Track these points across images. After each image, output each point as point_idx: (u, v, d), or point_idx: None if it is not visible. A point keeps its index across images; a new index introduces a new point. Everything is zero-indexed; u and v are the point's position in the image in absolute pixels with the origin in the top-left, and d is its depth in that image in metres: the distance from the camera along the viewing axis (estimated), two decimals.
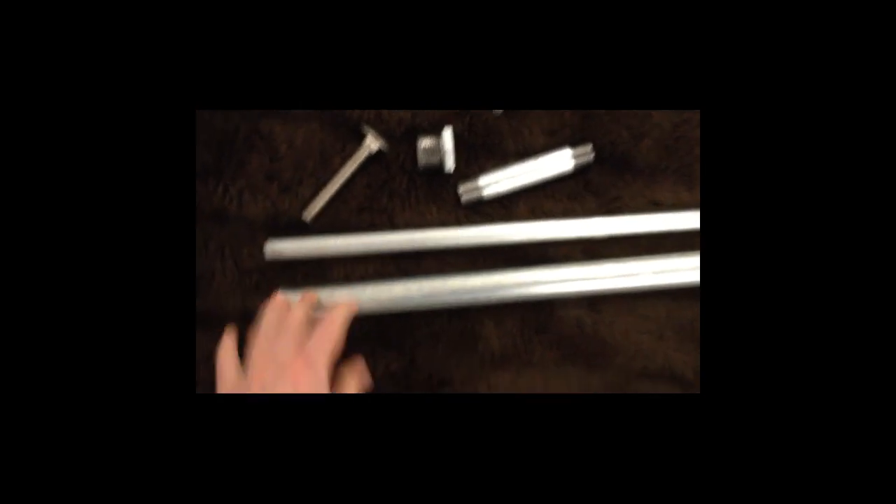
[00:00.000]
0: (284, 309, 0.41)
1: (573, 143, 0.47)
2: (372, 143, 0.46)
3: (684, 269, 0.47)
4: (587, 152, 0.47)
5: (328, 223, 0.48)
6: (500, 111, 0.47)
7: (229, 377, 0.39)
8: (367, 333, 0.47)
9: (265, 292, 0.47)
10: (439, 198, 0.48)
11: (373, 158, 0.47)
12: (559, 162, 0.47)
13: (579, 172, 0.48)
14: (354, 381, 0.41)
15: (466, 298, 0.46)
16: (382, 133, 0.47)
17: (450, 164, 0.46)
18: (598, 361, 0.48)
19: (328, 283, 0.47)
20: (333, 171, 0.47)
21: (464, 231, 0.47)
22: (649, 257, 0.47)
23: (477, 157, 0.48)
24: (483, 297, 0.46)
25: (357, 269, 0.48)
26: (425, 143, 0.46)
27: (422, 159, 0.46)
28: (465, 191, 0.47)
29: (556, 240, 0.48)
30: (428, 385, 0.47)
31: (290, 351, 0.38)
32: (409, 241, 0.47)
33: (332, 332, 0.39)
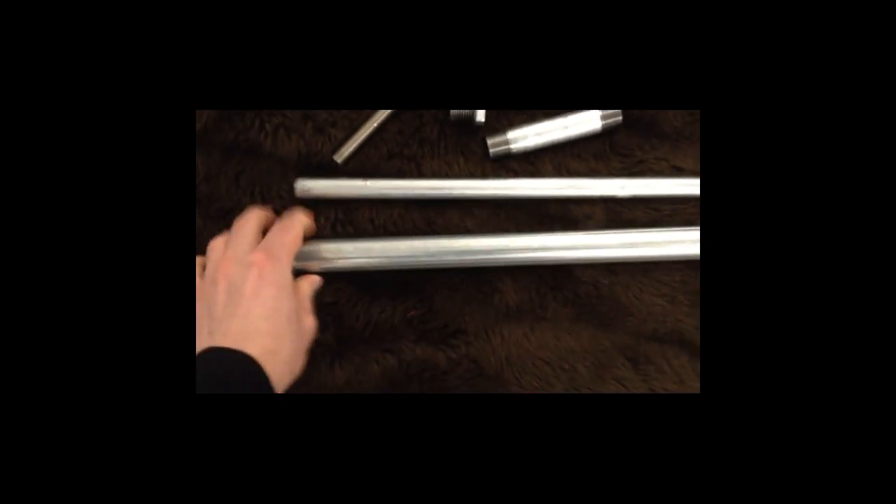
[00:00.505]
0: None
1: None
2: None
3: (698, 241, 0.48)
4: (616, 114, 0.48)
5: (358, 166, 0.49)
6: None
7: (197, 283, 0.41)
8: (386, 282, 0.48)
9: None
10: (468, 149, 0.49)
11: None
12: (587, 122, 0.48)
13: (606, 134, 0.49)
14: (307, 282, 0.44)
15: (483, 259, 0.47)
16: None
17: (481, 115, 0.47)
18: (610, 321, 0.49)
19: (354, 224, 0.48)
20: (367, 116, 0.48)
21: (489, 183, 0.48)
22: (669, 229, 0.48)
23: (507, 112, 0.49)
24: (501, 258, 0.47)
25: (382, 213, 0.49)
26: None
27: (454, 109, 0.47)
28: (494, 144, 0.48)
29: (578, 197, 0.49)
30: (443, 334, 0.49)
31: (250, 247, 0.40)
32: (436, 188, 0.48)
33: (290, 227, 0.42)
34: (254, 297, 0.37)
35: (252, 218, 0.42)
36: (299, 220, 0.43)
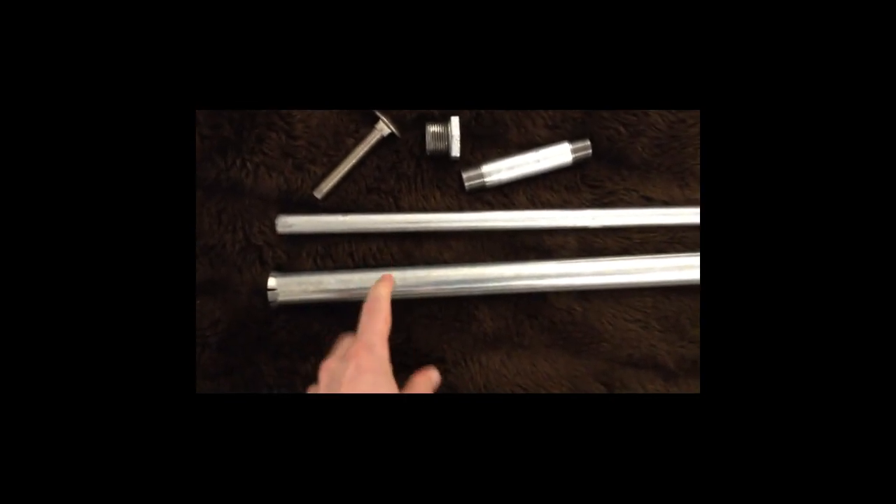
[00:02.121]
0: None
1: (573, 138, 0.50)
2: (383, 128, 0.49)
3: (672, 268, 0.49)
4: (586, 147, 0.50)
5: (337, 201, 0.50)
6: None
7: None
8: None
9: (272, 266, 0.49)
10: (444, 183, 0.51)
11: (384, 142, 0.50)
12: (559, 155, 0.50)
13: (577, 166, 0.51)
14: (423, 382, 0.44)
15: (460, 288, 0.48)
16: (394, 118, 0.50)
17: (456, 150, 0.49)
18: (585, 348, 0.51)
19: (333, 258, 0.50)
20: (346, 152, 0.50)
21: (465, 216, 0.50)
22: (639, 256, 0.50)
23: (481, 146, 0.51)
24: (478, 287, 0.48)
25: (361, 247, 0.50)
26: (434, 128, 0.49)
27: (430, 144, 0.49)
28: (469, 178, 0.50)
29: (552, 228, 0.50)
30: (422, 362, 0.50)
31: (347, 345, 0.41)
32: (413, 222, 0.49)
33: (377, 310, 0.41)
34: (350, 385, 0.38)
35: (382, 301, 0.42)
36: (384, 298, 0.42)
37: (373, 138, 0.49)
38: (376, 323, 0.41)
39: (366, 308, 0.42)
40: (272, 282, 0.47)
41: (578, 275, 0.49)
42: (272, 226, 0.49)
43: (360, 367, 0.38)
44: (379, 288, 0.43)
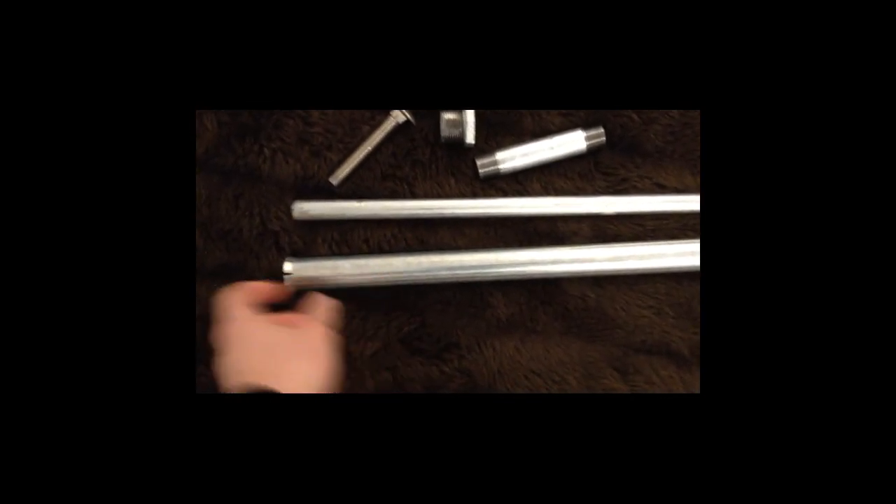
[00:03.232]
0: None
1: (586, 126, 0.51)
2: (399, 115, 0.50)
3: (684, 254, 0.50)
4: (599, 135, 0.50)
5: (353, 188, 0.51)
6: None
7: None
8: (381, 297, 0.50)
9: (288, 251, 0.50)
10: (458, 170, 0.51)
11: (399, 129, 0.51)
12: (572, 143, 0.50)
13: (591, 153, 0.51)
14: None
15: (475, 273, 0.49)
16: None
17: (470, 137, 0.49)
18: (599, 334, 0.51)
19: (348, 244, 0.50)
20: (361, 139, 0.50)
21: (479, 202, 0.50)
22: (652, 242, 0.50)
23: (495, 134, 0.51)
24: (492, 273, 0.49)
25: (376, 233, 0.51)
26: (448, 116, 0.49)
27: (444, 131, 0.49)
28: (483, 165, 0.50)
29: (565, 215, 0.51)
30: (436, 348, 0.50)
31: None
32: (427, 209, 0.50)
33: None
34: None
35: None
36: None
37: (388, 125, 0.50)
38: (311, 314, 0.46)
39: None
40: (288, 266, 0.48)
41: (591, 260, 0.49)
42: (288, 212, 0.50)
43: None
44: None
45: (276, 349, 0.39)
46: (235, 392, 0.37)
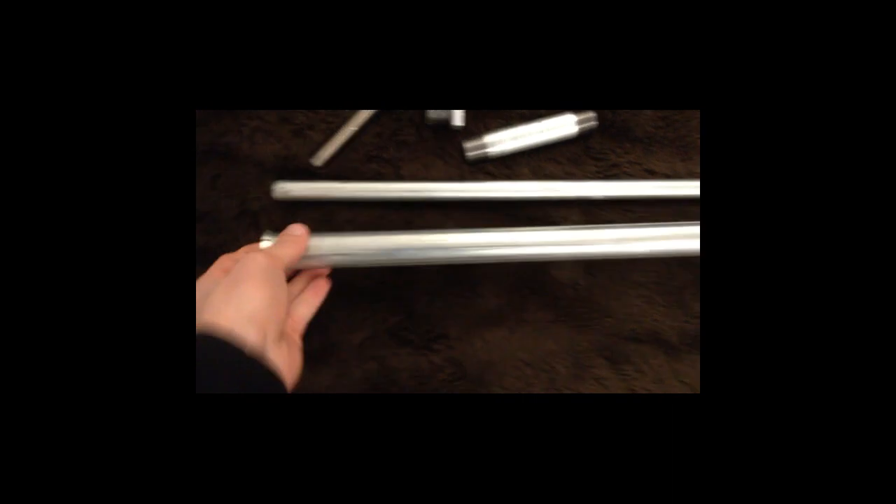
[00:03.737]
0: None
1: (577, 109, 0.50)
2: None
3: (676, 237, 0.49)
4: (591, 118, 0.49)
5: (336, 170, 0.49)
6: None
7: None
8: (367, 289, 0.48)
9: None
10: (445, 153, 0.50)
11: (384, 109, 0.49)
12: (563, 126, 0.49)
13: (582, 137, 0.50)
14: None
15: (461, 255, 0.47)
16: None
17: (458, 119, 0.48)
18: (588, 323, 0.50)
19: (332, 227, 0.48)
20: (345, 119, 0.48)
21: (467, 185, 0.49)
22: (643, 224, 0.49)
23: (483, 116, 0.50)
24: (478, 254, 0.47)
25: (361, 215, 0.49)
26: None
27: (431, 112, 0.48)
28: (471, 148, 0.49)
29: (555, 199, 0.49)
30: (425, 339, 0.48)
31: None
32: (414, 191, 0.48)
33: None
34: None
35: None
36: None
37: (374, 109, 0.48)
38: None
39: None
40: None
41: (581, 243, 0.48)
42: (268, 192, 0.47)
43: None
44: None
45: (218, 287, 0.38)
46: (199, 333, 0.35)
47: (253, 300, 0.37)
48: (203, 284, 0.40)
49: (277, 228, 0.47)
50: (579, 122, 0.49)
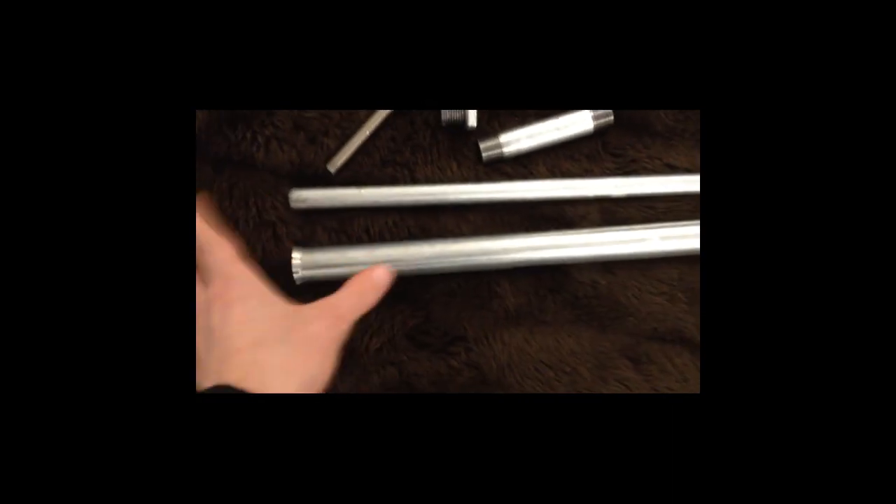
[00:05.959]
0: None
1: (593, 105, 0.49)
2: None
3: (696, 236, 0.48)
4: (607, 114, 0.48)
5: (352, 175, 0.49)
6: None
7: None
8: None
9: (285, 241, 0.48)
10: (460, 154, 0.49)
11: (398, 112, 0.49)
12: (579, 123, 0.48)
13: (598, 134, 0.49)
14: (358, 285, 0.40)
15: (481, 261, 0.47)
16: None
17: (472, 120, 0.47)
18: (610, 322, 0.49)
19: (348, 234, 0.48)
20: (359, 124, 0.48)
21: (483, 187, 0.48)
22: (663, 224, 0.48)
23: (498, 115, 0.49)
24: (498, 260, 0.47)
25: (377, 221, 0.49)
26: None
27: (445, 114, 0.47)
28: (486, 148, 0.48)
29: (573, 198, 0.49)
30: (442, 342, 0.48)
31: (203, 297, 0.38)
32: (430, 194, 0.48)
33: (208, 242, 0.37)
34: (224, 328, 0.36)
35: (203, 233, 0.39)
36: (204, 229, 0.38)
37: (386, 108, 0.48)
38: (216, 253, 0.36)
39: (199, 249, 0.37)
40: (296, 255, 0.45)
41: (600, 244, 0.47)
42: (285, 201, 0.48)
43: (225, 303, 0.34)
44: (197, 227, 0.38)
45: (267, 335, 0.34)
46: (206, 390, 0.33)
47: (316, 383, 0.35)
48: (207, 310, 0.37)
49: (296, 237, 0.48)
50: (595, 118, 0.48)
